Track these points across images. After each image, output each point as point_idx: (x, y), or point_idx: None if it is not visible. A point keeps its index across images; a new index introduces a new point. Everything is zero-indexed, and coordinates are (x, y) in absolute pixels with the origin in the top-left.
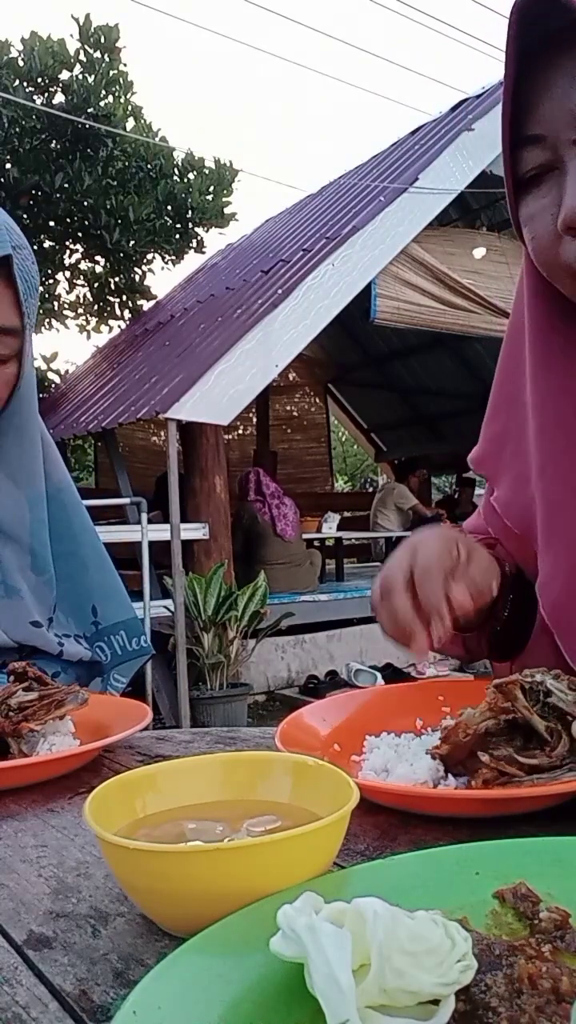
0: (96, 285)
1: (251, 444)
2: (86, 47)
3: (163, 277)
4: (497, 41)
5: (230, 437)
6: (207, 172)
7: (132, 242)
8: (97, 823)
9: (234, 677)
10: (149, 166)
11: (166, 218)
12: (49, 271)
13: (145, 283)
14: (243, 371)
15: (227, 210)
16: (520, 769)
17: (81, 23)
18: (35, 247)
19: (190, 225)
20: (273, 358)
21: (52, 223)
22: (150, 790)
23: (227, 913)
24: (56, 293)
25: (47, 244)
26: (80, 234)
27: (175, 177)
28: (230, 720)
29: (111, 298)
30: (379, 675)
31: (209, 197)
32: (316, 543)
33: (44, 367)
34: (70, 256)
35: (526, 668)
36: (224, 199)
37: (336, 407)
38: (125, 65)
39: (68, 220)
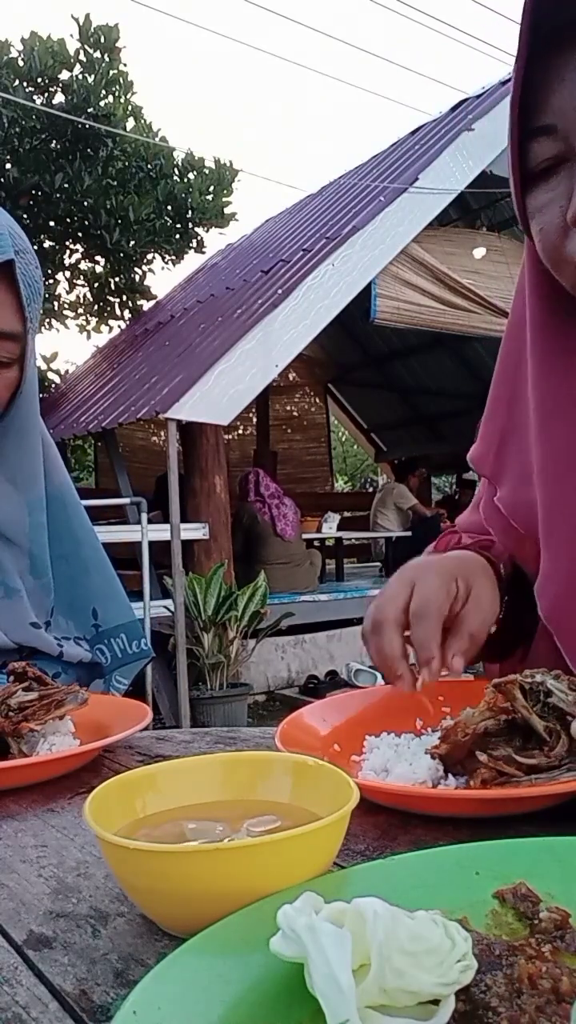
0: (96, 285)
1: (251, 444)
2: (86, 47)
3: (163, 277)
4: (497, 41)
5: (230, 437)
6: (207, 172)
7: (132, 242)
8: (97, 823)
9: (234, 677)
10: (149, 166)
11: (166, 218)
12: (49, 271)
13: (145, 283)
14: (243, 371)
15: (227, 210)
16: (519, 769)
17: (81, 23)
18: (35, 247)
19: (190, 225)
20: (273, 358)
21: (52, 223)
22: (150, 790)
23: (227, 913)
24: (56, 293)
25: (47, 244)
26: (80, 234)
27: (175, 177)
28: (230, 720)
29: (111, 298)
30: (379, 675)
31: (209, 197)
32: (316, 543)
33: (44, 367)
34: (70, 256)
35: (526, 669)
36: (224, 199)
37: (336, 407)
38: (125, 65)
39: (68, 220)
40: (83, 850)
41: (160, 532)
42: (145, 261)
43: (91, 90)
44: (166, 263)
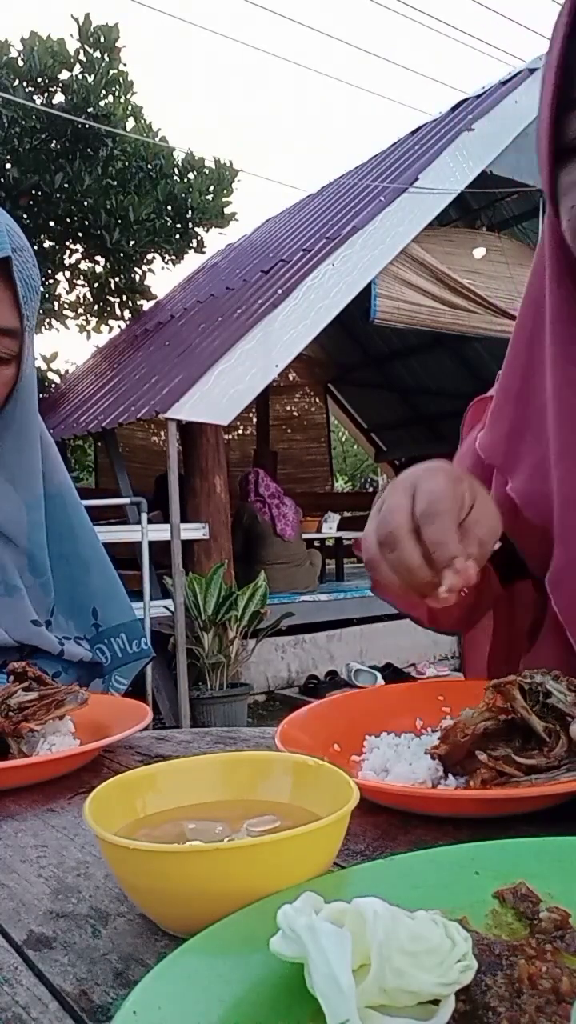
0: (96, 285)
1: (251, 444)
2: (86, 47)
3: (163, 277)
4: (497, 41)
5: (230, 437)
6: (207, 172)
7: (132, 242)
8: (97, 823)
9: (234, 677)
10: (149, 166)
11: (166, 218)
12: (49, 271)
13: (145, 283)
14: (243, 371)
15: (227, 210)
16: (518, 769)
17: (81, 23)
18: (35, 247)
19: (190, 225)
20: (273, 358)
21: (52, 223)
22: (150, 790)
23: (227, 913)
24: (56, 293)
25: (47, 244)
26: (80, 234)
27: (175, 177)
28: (230, 720)
29: (111, 298)
30: (379, 675)
31: (209, 197)
32: (316, 543)
33: (44, 367)
34: (70, 256)
35: (526, 669)
36: (224, 199)
37: (336, 407)
38: (125, 65)
39: (68, 220)
40: (83, 850)
41: (160, 532)
42: (145, 261)
43: (91, 90)
44: (166, 263)
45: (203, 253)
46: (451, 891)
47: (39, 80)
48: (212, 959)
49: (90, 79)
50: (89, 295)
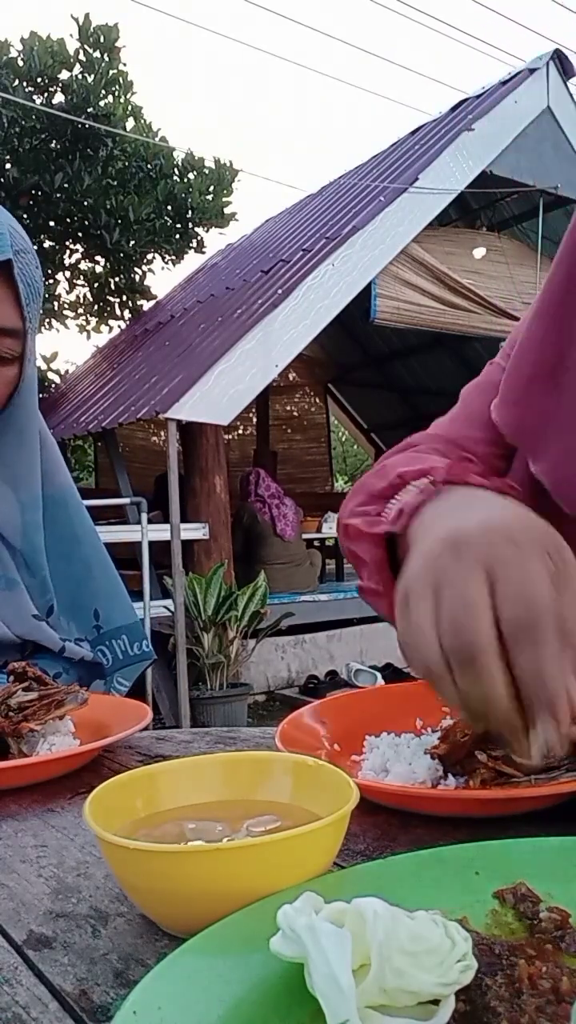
0: (96, 285)
1: (251, 444)
2: (86, 47)
3: (163, 277)
4: (497, 41)
5: (230, 437)
6: (207, 172)
7: (132, 242)
8: (97, 823)
9: (234, 677)
10: (149, 166)
11: (166, 218)
12: (49, 271)
13: (145, 283)
14: (243, 371)
15: (227, 210)
16: (518, 769)
17: (81, 23)
18: (35, 247)
19: (190, 225)
20: (273, 358)
21: (52, 223)
22: (150, 790)
23: (227, 913)
24: (56, 293)
25: (47, 244)
26: (80, 234)
27: (175, 177)
28: (230, 720)
29: (111, 298)
30: (379, 675)
31: (209, 197)
32: (316, 543)
33: (44, 367)
34: (70, 256)
35: None
36: (224, 199)
37: (336, 407)
38: (125, 65)
39: (68, 220)
40: (83, 850)
41: (160, 532)
42: (145, 261)
43: (91, 90)
44: (166, 263)
45: (203, 253)
46: (451, 891)
47: (39, 80)
48: (212, 959)
49: (90, 79)
50: (89, 295)
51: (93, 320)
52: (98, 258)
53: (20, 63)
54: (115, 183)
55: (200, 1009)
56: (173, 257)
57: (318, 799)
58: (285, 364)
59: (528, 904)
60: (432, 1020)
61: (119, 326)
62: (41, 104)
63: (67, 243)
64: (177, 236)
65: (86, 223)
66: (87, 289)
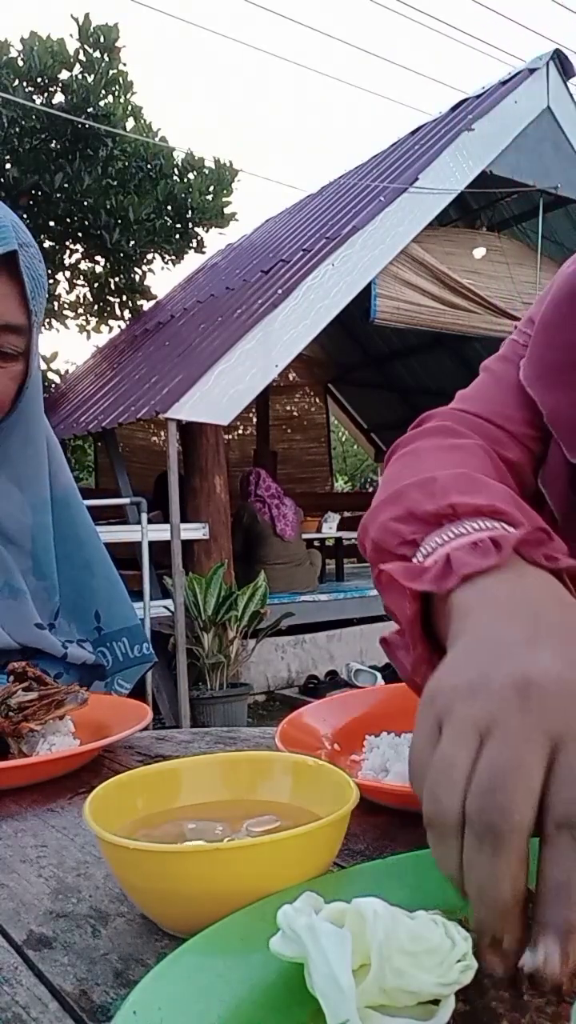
0: (96, 285)
1: (251, 444)
2: (86, 47)
3: (163, 277)
4: (497, 41)
5: (230, 437)
6: (207, 172)
7: (132, 242)
8: (97, 823)
9: (234, 677)
10: (149, 166)
11: (166, 218)
12: (49, 271)
13: (145, 283)
14: (243, 371)
15: (227, 210)
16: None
17: (81, 23)
18: None
19: (190, 225)
20: (273, 358)
21: (52, 223)
22: (150, 790)
23: (227, 913)
24: (56, 293)
25: (47, 244)
26: (80, 234)
27: (175, 177)
28: (230, 720)
29: (111, 298)
30: (379, 675)
31: (209, 197)
32: (316, 543)
33: (44, 367)
34: (70, 256)
35: None
36: (224, 199)
37: (336, 407)
38: (125, 65)
39: (68, 220)
40: (83, 850)
41: (160, 532)
42: (145, 261)
43: (91, 90)
44: (166, 263)
45: (203, 253)
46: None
47: (39, 80)
48: (212, 959)
49: (90, 79)
50: (89, 295)
51: (93, 320)
52: (98, 258)
53: (20, 63)
54: (115, 183)
55: (200, 1009)
56: (173, 257)
57: (318, 799)
58: (285, 364)
59: (528, 904)
60: (432, 1020)
61: (119, 326)
62: (41, 104)
63: (67, 243)
64: (177, 236)
65: (86, 223)
66: (87, 289)
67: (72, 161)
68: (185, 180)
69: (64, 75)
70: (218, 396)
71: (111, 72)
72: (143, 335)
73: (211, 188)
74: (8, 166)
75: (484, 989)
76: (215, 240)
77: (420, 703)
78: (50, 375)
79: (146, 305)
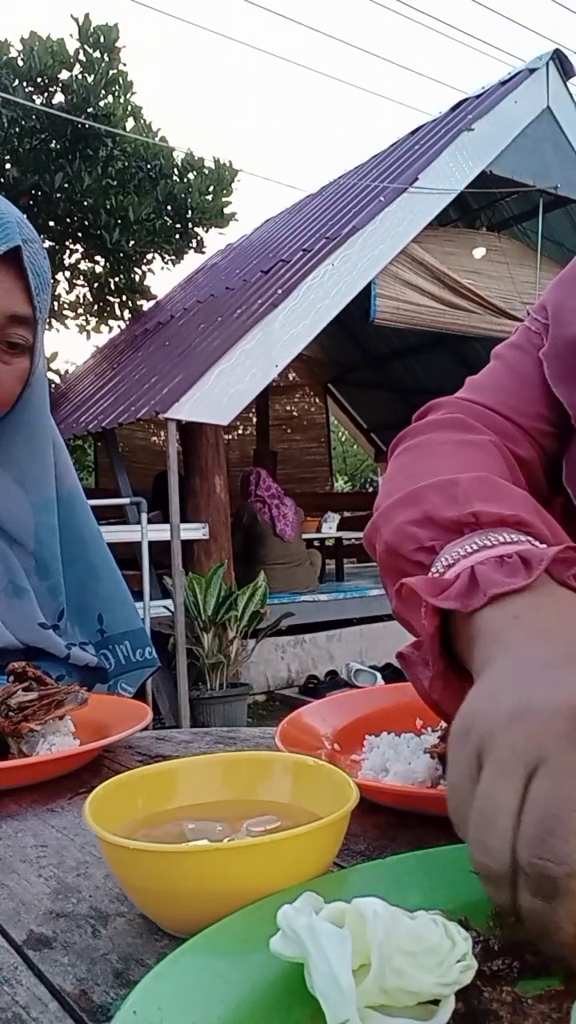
0: (96, 285)
1: (251, 444)
2: (86, 47)
3: (163, 277)
4: (497, 41)
5: (230, 437)
6: (207, 172)
7: (132, 242)
8: (97, 823)
9: (234, 677)
10: (149, 166)
11: (166, 218)
12: None
13: (145, 283)
14: (243, 371)
15: (227, 210)
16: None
17: (81, 23)
18: None
19: (190, 225)
20: (273, 358)
21: (52, 223)
22: (150, 790)
23: (227, 913)
24: (56, 293)
25: (47, 244)
26: (80, 234)
27: (175, 177)
28: (230, 720)
29: (111, 298)
30: (379, 675)
31: (209, 197)
32: (316, 543)
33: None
34: (70, 256)
35: None
36: (224, 199)
37: (336, 407)
38: (125, 65)
39: (68, 220)
40: (83, 850)
41: (160, 532)
42: (145, 261)
43: (91, 90)
44: (166, 263)
45: (203, 253)
46: (451, 891)
47: (39, 80)
48: (212, 959)
49: (90, 79)
50: (89, 295)
51: (93, 320)
52: (98, 258)
53: (20, 63)
54: (115, 183)
55: (200, 1009)
56: (173, 257)
57: (318, 799)
58: (285, 364)
59: None
60: (432, 1020)
61: (119, 326)
62: (41, 104)
63: (67, 243)
64: (177, 236)
65: (86, 223)
66: (87, 289)
67: (72, 161)
68: (185, 180)
69: (64, 75)
70: (218, 396)
71: (111, 72)
72: (143, 335)
73: (211, 188)
74: (8, 166)
75: (484, 989)
76: (215, 240)
77: (452, 733)
78: (50, 375)
79: (146, 305)
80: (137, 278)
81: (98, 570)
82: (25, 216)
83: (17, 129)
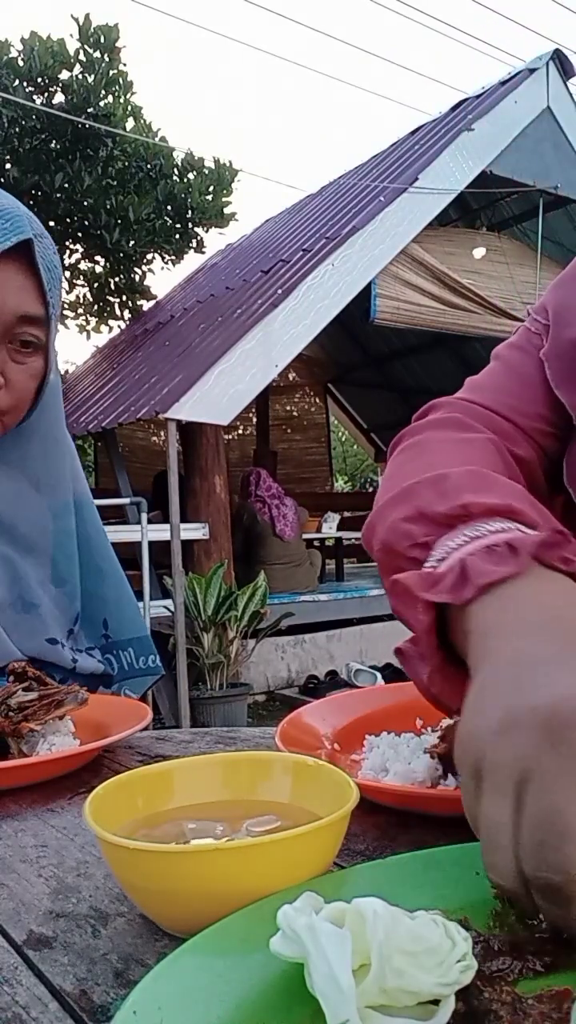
0: (96, 285)
1: (251, 444)
2: (86, 47)
3: (163, 277)
4: (497, 41)
5: (230, 437)
6: (207, 172)
7: (132, 242)
8: (97, 823)
9: (234, 677)
10: (149, 166)
11: (166, 218)
12: None
13: (145, 283)
14: (243, 371)
15: (227, 210)
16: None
17: (81, 23)
18: None
19: (190, 225)
20: (273, 358)
21: (52, 223)
22: (150, 790)
23: (227, 913)
24: None
25: None
26: (80, 234)
27: (175, 177)
28: (230, 720)
29: (111, 298)
30: (379, 675)
31: (209, 197)
32: (316, 543)
33: None
34: (70, 256)
35: None
36: (224, 199)
37: (336, 407)
38: (125, 65)
39: (68, 220)
40: (83, 850)
41: (160, 532)
42: (145, 261)
43: (91, 90)
44: (166, 263)
45: (203, 253)
46: (451, 891)
47: (39, 80)
48: (212, 959)
49: (90, 79)
50: (89, 295)
51: (93, 320)
52: (98, 258)
53: (20, 63)
54: (115, 183)
55: (200, 1009)
56: (173, 257)
57: (318, 799)
58: (285, 364)
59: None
60: (432, 1020)
61: (119, 326)
62: (41, 104)
63: (67, 243)
64: (177, 236)
65: (86, 223)
66: (87, 289)
67: (72, 161)
68: (185, 180)
69: (64, 75)
70: (218, 396)
71: (111, 72)
72: (143, 335)
73: (211, 188)
74: (8, 166)
75: (483, 989)
76: (215, 240)
77: (455, 747)
78: None
79: (146, 305)
80: (137, 278)
81: (105, 575)
82: None
83: (17, 129)
